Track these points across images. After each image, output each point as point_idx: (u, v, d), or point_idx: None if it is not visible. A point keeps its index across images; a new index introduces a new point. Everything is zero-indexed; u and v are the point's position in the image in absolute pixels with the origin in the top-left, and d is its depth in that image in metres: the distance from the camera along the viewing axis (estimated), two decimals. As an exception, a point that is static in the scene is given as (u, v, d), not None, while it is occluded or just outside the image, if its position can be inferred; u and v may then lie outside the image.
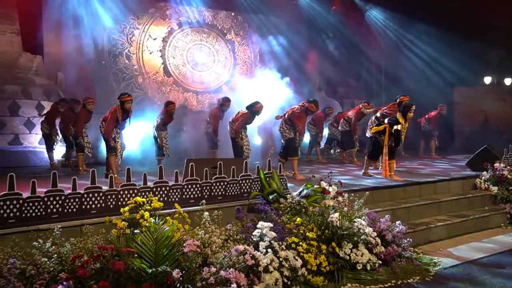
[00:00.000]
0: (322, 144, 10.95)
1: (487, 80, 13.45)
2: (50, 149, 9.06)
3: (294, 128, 7.39)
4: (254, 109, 7.67)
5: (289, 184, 5.49)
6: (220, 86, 11.10)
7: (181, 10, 10.68)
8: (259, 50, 12.19)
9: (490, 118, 13.00)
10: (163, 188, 4.42)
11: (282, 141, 7.61)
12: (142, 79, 10.53)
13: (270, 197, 4.89)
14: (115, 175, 6.56)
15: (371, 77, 14.00)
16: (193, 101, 10.67)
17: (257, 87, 10.61)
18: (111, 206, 4.11)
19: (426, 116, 11.66)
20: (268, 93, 9.51)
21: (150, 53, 10.44)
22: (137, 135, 9.72)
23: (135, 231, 3.54)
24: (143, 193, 4.22)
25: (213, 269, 3.33)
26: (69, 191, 3.96)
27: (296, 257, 3.87)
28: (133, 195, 4.18)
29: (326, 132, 10.99)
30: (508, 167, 7.43)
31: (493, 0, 10.32)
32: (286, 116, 7.52)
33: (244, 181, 4.99)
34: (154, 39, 10.39)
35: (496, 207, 6.83)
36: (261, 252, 3.73)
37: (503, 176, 7.18)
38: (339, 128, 10.21)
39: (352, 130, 9.88)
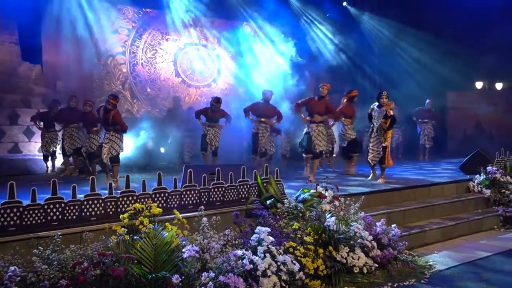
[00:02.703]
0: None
1: (479, 85, 13.62)
2: (52, 157, 9.25)
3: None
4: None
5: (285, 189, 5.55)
6: (210, 83, 12.50)
7: (185, 31, 11.92)
8: (251, 57, 12.42)
9: (483, 122, 13.17)
10: (162, 195, 4.46)
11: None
12: (153, 82, 11.62)
13: (268, 202, 4.93)
14: (107, 179, 6.74)
15: (365, 83, 14.11)
16: (193, 92, 12.21)
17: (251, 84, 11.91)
18: (111, 213, 4.14)
19: (415, 118, 11.89)
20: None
21: (165, 62, 11.87)
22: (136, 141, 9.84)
23: (135, 237, 3.57)
24: (142, 200, 4.25)
25: (212, 274, 3.38)
26: (69, 199, 4.00)
27: (294, 261, 3.91)
28: (132, 201, 4.21)
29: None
30: (501, 170, 7.55)
31: (484, 6, 10.51)
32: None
33: (241, 187, 5.03)
34: (170, 54, 11.89)
35: (489, 210, 6.93)
36: (259, 257, 3.77)
37: (495, 179, 7.30)
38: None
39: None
